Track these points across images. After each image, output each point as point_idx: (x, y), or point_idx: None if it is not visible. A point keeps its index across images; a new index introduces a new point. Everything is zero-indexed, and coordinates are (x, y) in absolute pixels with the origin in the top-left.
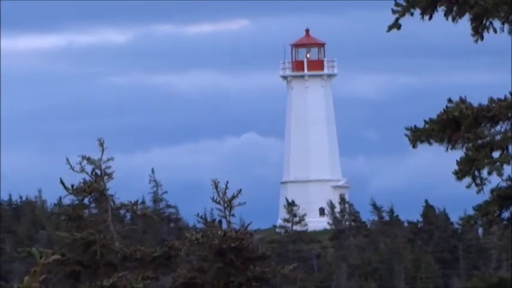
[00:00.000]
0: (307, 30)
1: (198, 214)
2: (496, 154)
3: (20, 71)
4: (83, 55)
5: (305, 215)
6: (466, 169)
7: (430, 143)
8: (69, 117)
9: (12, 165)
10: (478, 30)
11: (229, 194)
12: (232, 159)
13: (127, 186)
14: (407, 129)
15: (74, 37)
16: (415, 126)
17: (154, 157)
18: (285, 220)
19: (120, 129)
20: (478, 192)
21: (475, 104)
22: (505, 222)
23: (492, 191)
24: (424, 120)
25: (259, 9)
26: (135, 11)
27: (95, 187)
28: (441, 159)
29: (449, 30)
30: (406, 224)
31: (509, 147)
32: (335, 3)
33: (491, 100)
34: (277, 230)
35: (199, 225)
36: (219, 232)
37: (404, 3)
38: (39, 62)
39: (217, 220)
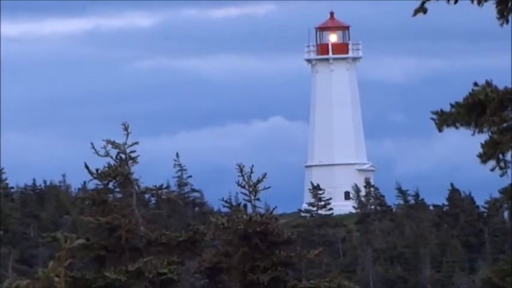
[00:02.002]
0: (331, 13)
1: (223, 198)
2: None
3: (46, 55)
4: (109, 39)
5: (330, 199)
6: (490, 152)
7: (456, 127)
8: (94, 102)
9: (36, 149)
10: (504, 14)
11: (254, 178)
12: (259, 143)
13: (152, 170)
14: (433, 113)
15: (101, 21)
16: (441, 110)
17: (180, 141)
18: (310, 204)
19: (146, 113)
20: (502, 175)
21: (501, 88)
22: None
23: None
24: (450, 104)
25: None
26: None
27: (119, 171)
28: (467, 143)
29: (475, 13)
30: (431, 208)
31: None
32: None
33: None
34: (303, 214)
35: (224, 210)
36: (244, 216)
37: None
38: (66, 46)
39: (242, 204)
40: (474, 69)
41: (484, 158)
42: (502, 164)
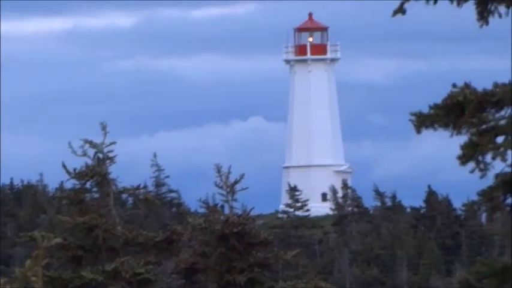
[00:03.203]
0: (310, 14)
1: (200, 199)
2: (500, 139)
3: (25, 54)
4: (89, 38)
5: (307, 200)
6: (469, 154)
7: (434, 128)
8: (73, 101)
9: (14, 148)
10: (483, 15)
11: (231, 179)
12: (237, 144)
13: (131, 170)
14: (412, 114)
15: (81, 20)
16: (419, 112)
17: (159, 142)
18: (287, 205)
19: (125, 113)
20: (482, 177)
21: (480, 89)
22: (508, 208)
23: (496, 176)
24: (429, 106)
25: None
26: None
27: (97, 171)
28: (445, 145)
29: (455, 15)
30: (408, 210)
31: None
32: None
33: (495, 85)
34: (280, 215)
35: (202, 210)
36: (221, 217)
37: None
38: (45, 45)
39: (219, 205)
40: (454, 70)
41: (463, 159)
42: (482, 166)
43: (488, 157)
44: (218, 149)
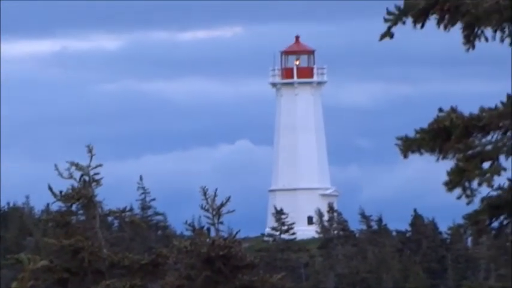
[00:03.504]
0: (297, 37)
1: (186, 221)
2: (486, 165)
3: (11, 76)
4: (76, 61)
5: (293, 223)
6: (456, 180)
7: (420, 153)
8: (60, 124)
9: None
10: (470, 39)
11: (218, 202)
12: (224, 167)
13: (117, 193)
14: (398, 138)
15: (67, 43)
16: (406, 136)
17: (145, 164)
18: (273, 228)
19: (112, 136)
20: (468, 203)
21: (466, 113)
22: (494, 232)
23: (482, 199)
24: (415, 130)
25: (254, 16)
26: (128, 18)
27: (83, 193)
28: (430, 169)
29: (442, 38)
30: (394, 234)
31: (500, 157)
32: (326, 10)
33: (482, 109)
34: (266, 238)
35: (188, 233)
36: (207, 240)
37: (396, 12)
38: (32, 67)
39: (205, 228)
40: (440, 94)
41: (450, 186)
42: (469, 192)
43: (475, 183)
44: (204, 171)
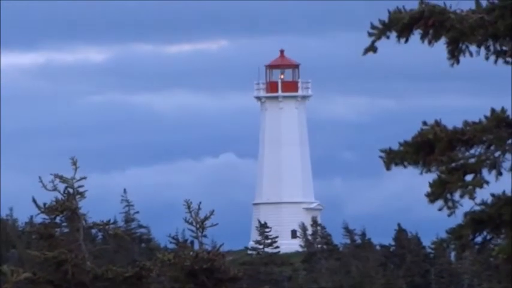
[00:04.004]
0: (281, 51)
1: (170, 234)
2: (469, 177)
3: None
4: (61, 73)
5: (277, 237)
6: (438, 192)
7: (404, 166)
8: (44, 136)
9: None
10: (454, 54)
11: (201, 215)
12: (209, 180)
13: (101, 205)
14: (382, 151)
15: (53, 55)
16: (389, 148)
17: (129, 177)
18: (257, 242)
19: (97, 148)
20: (450, 215)
21: (450, 127)
22: (477, 247)
23: (466, 214)
24: (399, 143)
25: (239, 29)
26: (114, 31)
27: (67, 206)
28: (415, 183)
29: (426, 53)
30: (378, 248)
31: (483, 170)
32: (311, 24)
33: (465, 123)
34: (249, 251)
35: (171, 246)
36: (191, 253)
37: (380, 26)
38: (17, 80)
39: (189, 241)
40: (425, 109)
41: (432, 197)
42: (450, 204)
43: (457, 195)
44: (189, 184)
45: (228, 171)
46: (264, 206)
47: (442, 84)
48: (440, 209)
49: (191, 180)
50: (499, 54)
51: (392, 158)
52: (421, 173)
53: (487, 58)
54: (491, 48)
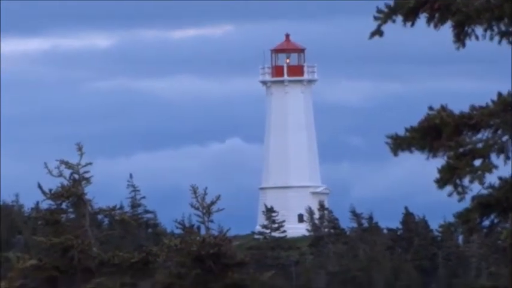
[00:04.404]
0: (287, 35)
1: (176, 220)
2: (477, 162)
3: (3, 75)
4: (67, 59)
5: (284, 221)
6: (447, 177)
7: (411, 151)
8: (51, 122)
9: None
10: (460, 37)
11: (208, 200)
12: (215, 165)
13: (107, 191)
14: (388, 137)
15: (59, 41)
16: (396, 134)
17: (136, 162)
18: (264, 226)
19: (103, 134)
20: (460, 200)
21: (457, 112)
22: (485, 230)
23: (473, 198)
24: (405, 128)
25: (244, 14)
26: (120, 16)
27: (72, 191)
28: (423, 167)
29: (432, 37)
30: (385, 231)
31: (491, 155)
32: (316, 8)
33: (472, 108)
34: (256, 236)
35: (178, 231)
36: (198, 238)
37: (386, 10)
38: (23, 66)
39: (195, 226)
40: (431, 93)
41: (441, 183)
42: (460, 189)
43: (466, 180)
44: (195, 170)
45: (234, 156)
46: (270, 191)
47: (448, 68)
48: (449, 195)
49: (197, 166)
50: (503, 34)
51: (399, 144)
52: (428, 159)
53: (491, 39)
54: (495, 29)
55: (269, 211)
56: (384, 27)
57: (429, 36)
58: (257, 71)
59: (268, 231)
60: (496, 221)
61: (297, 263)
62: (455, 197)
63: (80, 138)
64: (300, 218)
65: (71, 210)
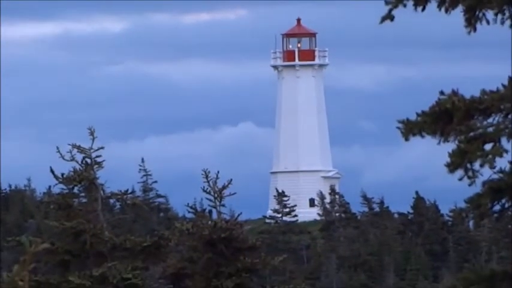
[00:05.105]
0: (298, 20)
1: (188, 204)
2: (488, 146)
3: (15, 59)
4: (79, 43)
5: (295, 205)
6: (458, 161)
7: (422, 136)
8: (62, 106)
9: (2, 153)
10: (471, 22)
11: (219, 184)
12: (227, 149)
13: (120, 175)
14: (399, 121)
15: (71, 25)
16: (407, 119)
17: (148, 147)
18: (275, 211)
19: (115, 118)
20: (470, 184)
21: (468, 96)
22: (496, 215)
23: (484, 183)
24: (416, 113)
25: None
26: (132, 0)
27: (84, 176)
28: (434, 152)
29: (443, 21)
30: (396, 216)
31: (502, 139)
32: None
33: (483, 92)
34: (267, 220)
35: (189, 215)
36: (209, 222)
37: None
38: (35, 50)
39: (207, 210)
40: (443, 77)
41: (451, 167)
42: (471, 174)
43: (477, 164)
44: (207, 154)
45: (246, 141)
46: (281, 175)
47: (460, 52)
48: (460, 179)
49: (209, 150)
50: None
51: (411, 128)
52: (439, 143)
53: (502, 23)
54: (507, 13)
55: (280, 195)
56: (395, 12)
57: (441, 21)
58: (269, 55)
59: (279, 215)
60: (507, 205)
61: (308, 247)
62: (466, 181)
63: (91, 123)
64: (311, 202)
65: (82, 194)
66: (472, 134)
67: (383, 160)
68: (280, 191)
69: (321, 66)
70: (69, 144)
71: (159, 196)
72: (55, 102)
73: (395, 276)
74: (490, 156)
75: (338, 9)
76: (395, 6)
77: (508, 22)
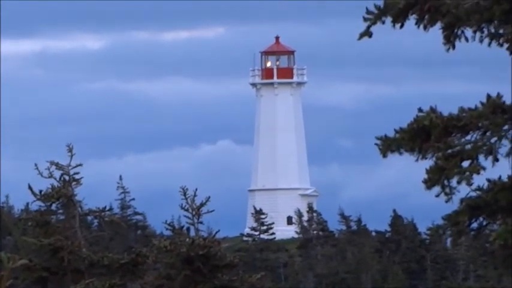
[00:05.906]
0: (277, 38)
1: (165, 221)
2: (466, 164)
3: None
4: (58, 61)
5: (273, 223)
6: (435, 178)
7: (400, 153)
8: (41, 123)
9: None
10: (450, 39)
11: (198, 202)
12: (206, 167)
13: (98, 192)
14: (377, 138)
15: (49, 43)
16: (385, 136)
17: (126, 164)
18: (253, 228)
19: (93, 135)
20: (447, 201)
21: (446, 114)
22: (473, 233)
23: (462, 200)
24: (395, 130)
25: (234, 16)
26: (111, 18)
27: (62, 193)
28: (411, 170)
29: (421, 38)
30: (374, 234)
31: (479, 157)
32: (306, 10)
33: (461, 109)
34: (245, 238)
35: (167, 233)
36: (187, 240)
37: (375, 11)
38: (14, 67)
39: (185, 228)
40: (421, 95)
41: (428, 183)
42: (448, 190)
43: (454, 181)
44: (185, 171)
45: (224, 158)
46: (259, 193)
47: (438, 70)
48: (437, 195)
49: (188, 167)
50: (493, 37)
51: (389, 145)
52: (417, 160)
53: (481, 41)
54: (485, 30)
55: (258, 213)
56: (373, 29)
57: (419, 38)
58: (247, 73)
59: (257, 233)
60: (484, 223)
61: (285, 265)
62: (443, 197)
63: (70, 140)
64: (289, 220)
65: (60, 211)
66: (449, 151)
67: (361, 178)
68: (258, 208)
69: (299, 84)
70: (48, 161)
71: (136, 213)
72: (33, 119)
73: None
74: (468, 173)
75: (316, 28)
76: (374, 23)
77: (486, 40)
